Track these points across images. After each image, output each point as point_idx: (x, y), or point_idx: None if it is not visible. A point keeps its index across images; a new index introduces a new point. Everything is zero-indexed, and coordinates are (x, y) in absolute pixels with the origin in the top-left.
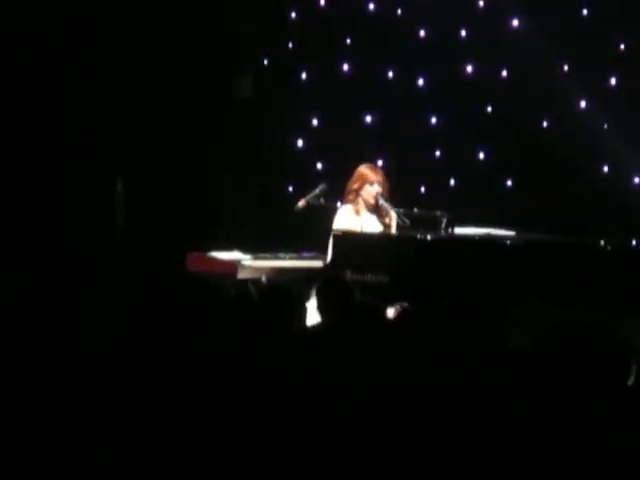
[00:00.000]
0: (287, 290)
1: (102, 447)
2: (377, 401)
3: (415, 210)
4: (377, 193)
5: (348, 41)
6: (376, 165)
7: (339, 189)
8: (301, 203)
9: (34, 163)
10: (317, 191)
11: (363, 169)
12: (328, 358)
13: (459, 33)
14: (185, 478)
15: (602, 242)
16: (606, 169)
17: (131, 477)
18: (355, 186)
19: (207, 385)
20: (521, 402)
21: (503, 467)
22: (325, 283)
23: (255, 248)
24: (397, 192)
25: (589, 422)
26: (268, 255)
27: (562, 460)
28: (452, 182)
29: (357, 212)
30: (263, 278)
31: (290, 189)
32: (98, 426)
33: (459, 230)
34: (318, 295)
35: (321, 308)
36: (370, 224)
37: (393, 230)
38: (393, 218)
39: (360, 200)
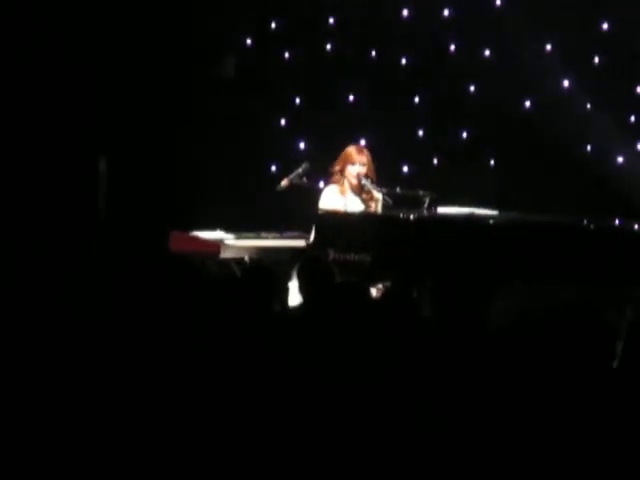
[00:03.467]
0: (269, 270)
1: (84, 429)
2: (359, 382)
3: (398, 189)
4: (359, 174)
5: (331, 21)
6: (362, 146)
7: (322, 169)
8: (284, 182)
9: (14, 142)
10: (300, 170)
11: (348, 150)
12: (308, 339)
13: (442, 12)
14: (167, 459)
15: (585, 221)
16: (589, 149)
17: (117, 464)
18: (338, 167)
19: (189, 365)
20: (506, 384)
21: (489, 448)
22: (305, 264)
23: (238, 227)
24: (380, 171)
25: (575, 403)
26: (251, 234)
27: (548, 442)
28: (435, 161)
29: (342, 192)
30: (246, 258)
31: (273, 168)
32: (81, 410)
33: (442, 210)
34: (298, 276)
35: (301, 289)
36: (354, 204)
37: (378, 210)
38: (379, 200)
39: (345, 181)
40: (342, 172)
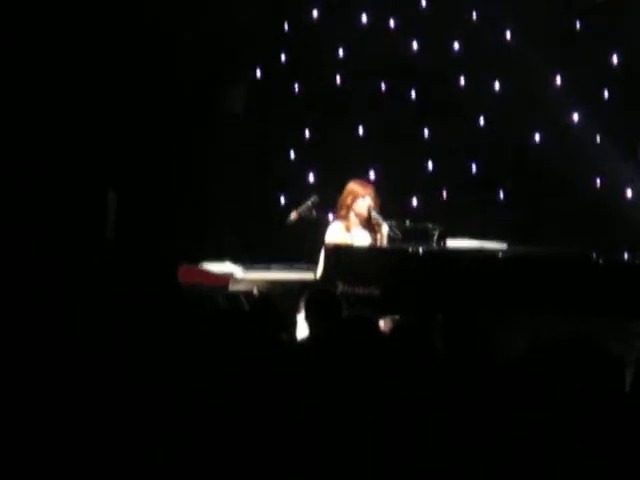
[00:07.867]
0: (276, 303)
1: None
2: (366, 416)
3: (407, 222)
4: (369, 206)
5: (341, 53)
6: (366, 179)
7: (331, 201)
8: (293, 215)
9: (24, 174)
10: (309, 203)
11: (353, 184)
12: (316, 371)
13: (452, 46)
14: None
15: (594, 255)
16: (598, 182)
17: None
18: (348, 201)
19: (197, 396)
20: (516, 417)
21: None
22: (312, 296)
23: (247, 260)
24: (389, 204)
25: (585, 434)
26: (260, 267)
27: (560, 473)
28: (444, 194)
29: (347, 228)
30: (255, 291)
31: (282, 201)
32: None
33: (451, 243)
34: (305, 308)
35: (309, 321)
36: (360, 239)
37: (384, 242)
38: (384, 231)
39: (351, 215)
40: (350, 207)
